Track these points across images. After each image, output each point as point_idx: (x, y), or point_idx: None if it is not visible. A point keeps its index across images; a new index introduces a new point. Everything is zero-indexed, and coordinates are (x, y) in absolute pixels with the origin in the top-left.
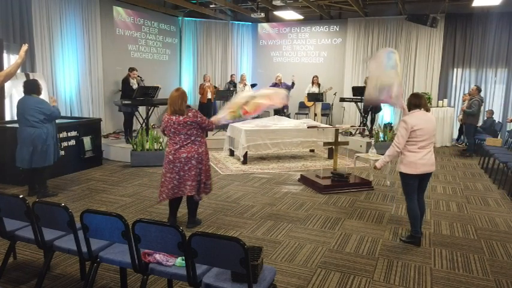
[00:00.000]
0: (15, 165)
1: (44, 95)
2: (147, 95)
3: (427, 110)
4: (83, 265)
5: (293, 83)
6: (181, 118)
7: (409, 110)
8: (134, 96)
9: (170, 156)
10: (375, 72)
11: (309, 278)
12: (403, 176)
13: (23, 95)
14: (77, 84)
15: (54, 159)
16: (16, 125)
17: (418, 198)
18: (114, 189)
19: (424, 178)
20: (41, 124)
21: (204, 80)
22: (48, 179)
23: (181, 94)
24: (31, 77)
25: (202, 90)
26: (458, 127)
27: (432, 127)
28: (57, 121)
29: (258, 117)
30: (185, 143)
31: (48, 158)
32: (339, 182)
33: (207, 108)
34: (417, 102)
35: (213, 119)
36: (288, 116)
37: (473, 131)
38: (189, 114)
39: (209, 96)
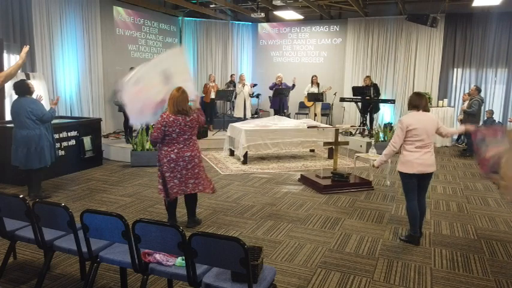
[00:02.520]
0: (12, 163)
1: (44, 95)
2: None
3: (426, 110)
4: (83, 265)
5: (293, 85)
6: (188, 119)
7: (408, 110)
8: None
9: (172, 155)
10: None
11: (309, 278)
12: (402, 175)
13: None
14: (77, 84)
15: (51, 160)
16: None
17: (419, 198)
18: (114, 189)
19: (424, 178)
20: (34, 125)
21: (209, 80)
22: (42, 180)
23: (183, 93)
24: (31, 77)
25: (206, 89)
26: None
27: (430, 127)
28: (57, 121)
29: (258, 117)
30: (187, 142)
31: (43, 159)
32: (339, 182)
33: (210, 107)
34: (416, 103)
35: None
36: (288, 116)
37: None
38: (194, 114)
39: (212, 95)
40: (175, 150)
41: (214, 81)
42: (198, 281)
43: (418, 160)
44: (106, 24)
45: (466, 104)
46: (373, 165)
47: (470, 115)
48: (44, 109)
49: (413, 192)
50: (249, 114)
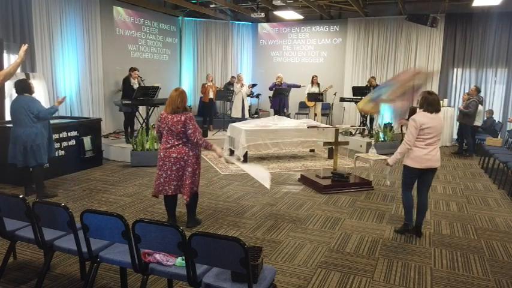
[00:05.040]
0: (8, 162)
1: (44, 95)
2: (147, 95)
3: (437, 112)
4: (83, 265)
5: (299, 86)
6: (175, 119)
7: (420, 107)
8: (134, 96)
9: (161, 154)
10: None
11: (309, 278)
12: (407, 168)
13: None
14: (77, 84)
15: (48, 157)
16: None
17: (422, 194)
18: (114, 189)
19: (427, 173)
20: (31, 123)
21: (207, 80)
22: (44, 179)
23: (180, 94)
24: (31, 77)
25: (204, 89)
26: (458, 127)
27: (440, 125)
28: (57, 121)
29: (258, 117)
30: (176, 143)
31: (39, 157)
32: (339, 182)
33: (209, 107)
34: (430, 104)
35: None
36: (288, 116)
37: (470, 131)
38: (182, 117)
39: (211, 95)
40: (164, 150)
41: (212, 80)
42: (198, 281)
43: (427, 156)
44: (106, 24)
45: (463, 103)
46: (387, 164)
47: (466, 115)
48: (41, 106)
49: (411, 184)
50: (247, 114)
